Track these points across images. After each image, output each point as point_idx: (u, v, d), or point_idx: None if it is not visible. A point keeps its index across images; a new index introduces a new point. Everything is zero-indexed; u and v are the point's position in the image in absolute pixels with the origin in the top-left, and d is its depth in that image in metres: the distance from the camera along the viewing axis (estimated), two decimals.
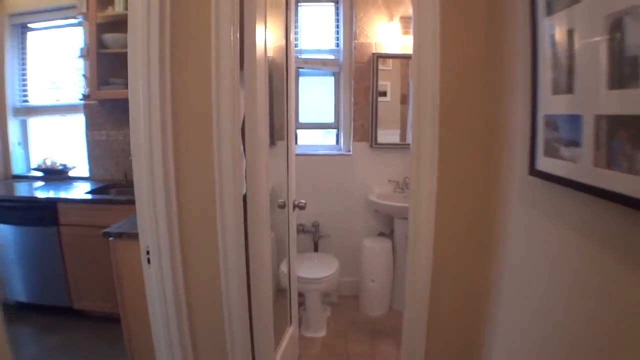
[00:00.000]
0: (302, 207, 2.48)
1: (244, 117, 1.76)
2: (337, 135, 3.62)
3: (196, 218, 1.67)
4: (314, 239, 3.49)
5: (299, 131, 3.48)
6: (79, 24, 3.49)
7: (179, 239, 1.63)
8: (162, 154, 1.53)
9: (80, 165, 3.80)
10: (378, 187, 3.48)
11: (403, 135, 3.45)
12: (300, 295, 2.88)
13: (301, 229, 3.42)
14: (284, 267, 2.74)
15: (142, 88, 1.48)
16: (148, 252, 1.62)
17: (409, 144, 3.43)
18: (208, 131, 1.61)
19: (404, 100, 3.39)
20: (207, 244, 1.68)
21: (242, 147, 1.76)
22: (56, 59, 3.82)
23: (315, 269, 3.00)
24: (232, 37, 1.56)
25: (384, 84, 3.36)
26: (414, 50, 1.66)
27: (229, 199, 1.64)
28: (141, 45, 1.47)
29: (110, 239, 2.07)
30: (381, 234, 3.51)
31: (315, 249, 3.51)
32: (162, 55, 1.50)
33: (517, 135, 1.39)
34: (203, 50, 1.58)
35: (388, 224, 3.52)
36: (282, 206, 2.44)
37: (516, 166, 1.41)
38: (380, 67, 3.30)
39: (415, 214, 1.75)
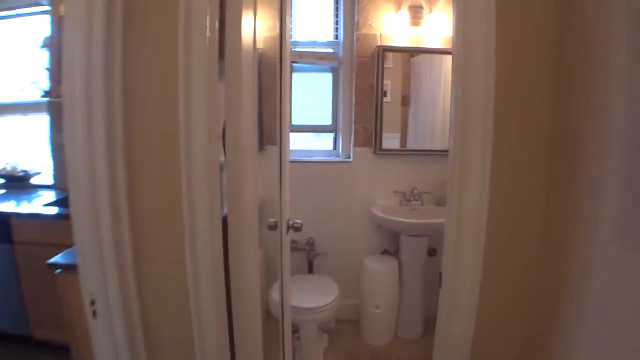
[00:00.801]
0: (297, 229, 2.06)
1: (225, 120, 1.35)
2: (335, 140, 3.21)
3: (158, 256, 1.25)
4: (309, 257, 3.07)
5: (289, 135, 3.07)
6: (45, 12, 3.05)
7: (135, 284, 1.22)
8: (107, 172, 1.11)
9: (45, 171, 3.35)
10: (382, 199, 3.07)
11: (403, 140, 3.04)
12: (294, 323, 2.47)
13: (294, 247, 3.00)
14: (274, 294, 2.32)
15: (78, 76, 1.06)
16: (93, 303, 1.20)
17: (417, 150, 3.15)
18: (174, 138, 1.20)
19: (405, 101, 2.98)
20: (173, 289, 1.27)
21: (222, 157, 1.35)
22: (18, 50, 3.37)
23: (311, 296, 2.58)
24: (207, 16, 1.15)
25: (385, 82, 2.95)
26: (457, 37, 1.25)
27: (203, 225, 1.23)
28: (81, 13, 1.06)
29: (58, 271, 1.65)
30: (385, 252, 3.10)
31: (310, 270, 3.09)
32: (109, 30, 1.08)
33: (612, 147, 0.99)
34: (168, 29, 1.17)
35: (393, 241, 3.12)
36: (274, 227, 2.03)
37: (608, 195, 1.01)
38: (387, 63, 2.89)
39: (454, 246, 1.35)
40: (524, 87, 1.27)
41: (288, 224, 2.04)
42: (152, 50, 1.20)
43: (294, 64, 2.97)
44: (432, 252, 3.01)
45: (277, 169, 1.99)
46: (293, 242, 3.00)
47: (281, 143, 1.96)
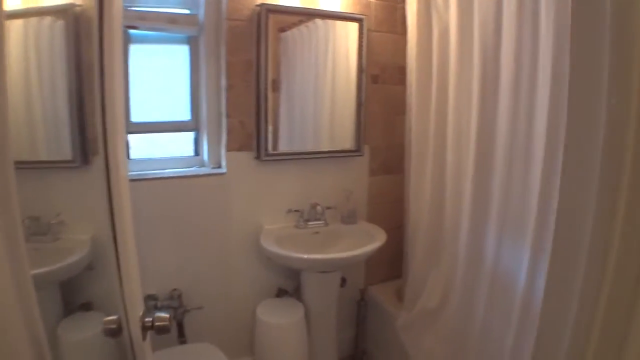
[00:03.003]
0: (163, 330, 1.09)
1: None
2: (197, 141, 2.22)
3: None
4: (177, 317, 2.06)
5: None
6: None
7: None
8: None
9: None
10: (272, 222, 2.22)
11: (275, 138, 2.17)
12: None
13: (153, 305, 1.99)
14: None
15: None
16: None
17: (313, 153, 2.25)
18: None
19: (274, 86, 2.14)
20: None
21: None
22: None
23: None
24: None
25: None
26: None
27: None
28: None
29: None
30: (282, 292, 2.27)
31: (180, 334, 2.08)
32: None
33: None
34: None
35: (291, 276, 2.31)
36: (115, 332, 1.04)
37: None
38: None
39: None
40: None
41: (144, 323, 1.06)
42: None
43: (132, 31, 1.89)
44: (342, 283, 2.28)
45: (105, 193, 1.05)
46: (151, 298, 1.98)
47: (108, 153, 1.01)
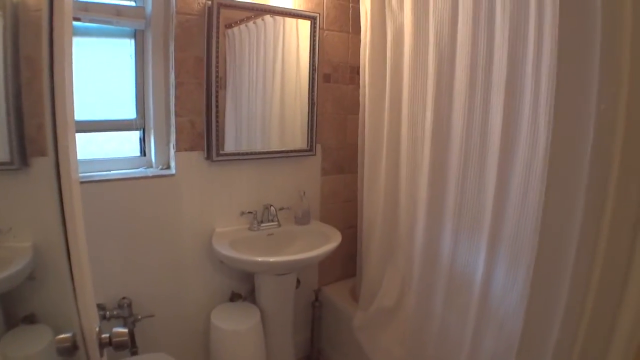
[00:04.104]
0: (121, 346, 1.00)
1: None
2: (143, 141, 2.11)
3: None
4: (127, 326, 1.94)
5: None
6: None
7: None
8: None
9: None
10: (225, 225, 2.14)
11: (221, 137, 2.04)
12: None
13: (102, 315, 1.85)
14: None
15: None
16: None
17: (267, 153, 2.21)
18: None
19: (220, 84, 2.07)
20: None
21: None
22: None
23: None
24: None
25: None
26: None
27: None
28: None
29: None
30: (236, 296, 2.20)
31: (132, 344, 1.96)
32: None
33: None
34: None
35: (245, 279, 2.24)
36: (69, 350, 0.95)
37: None
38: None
39: None
40: None
41: (101, 339, 0.98)
42: None
43: (75, 23, 1.75)
44: (297, 284, 2.25)
45: (55, 197, 0.98)
46: (99, 308, 1.85)
47: (58, 152, 0.93)
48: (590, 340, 0.66)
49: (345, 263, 2.59)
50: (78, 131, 1.87)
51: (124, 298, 1.92)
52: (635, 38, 0.57)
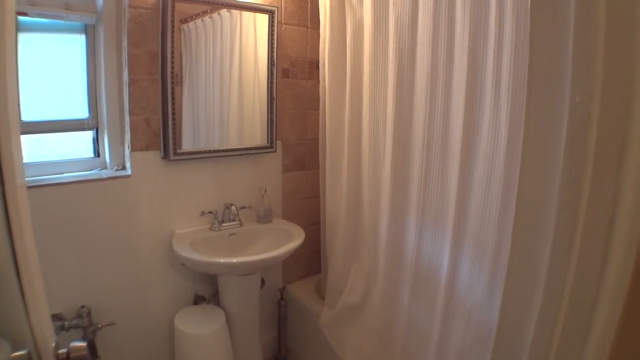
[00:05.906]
0: None
1: None
2: (97, 141, 2.01)
3: None
4: (88, 336, 1.84)
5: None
6: None
7: None
8: None
9: None
10: (184, 226, 2.08)
11: (178, 135, 1.98)
12: None
13: (60, 326, 1.75)
14: None
15: None
16: None
17: (225, 151, 2.15)
18: None
19: (177, 80, 2.02)
20: None
21: None
22: None
23: None
24: None
25: None
26: None
27: None
28: None
29: None
30: (199, 299, 2.14)
31: (94, 355, 1.86)
32: None
33: None
34: None
35: (208, 281, 2.19)
36: None
37: None
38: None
39: None
40: None
41: (58, 355, 0.93)
42: None
43: (21, 18, 1.64)
44: (262, 284, 2.22)
45: (1, 212, 0.91)
46: (57, 318, 1.75)
47: (0, 156, 0.87)
48: (566, 338, 0.67)
49: (310, 260, 2.58)
50: (25, 132, 1.78)
51: (82, 307, 1.82)
52: (610, 24, 0.58)
